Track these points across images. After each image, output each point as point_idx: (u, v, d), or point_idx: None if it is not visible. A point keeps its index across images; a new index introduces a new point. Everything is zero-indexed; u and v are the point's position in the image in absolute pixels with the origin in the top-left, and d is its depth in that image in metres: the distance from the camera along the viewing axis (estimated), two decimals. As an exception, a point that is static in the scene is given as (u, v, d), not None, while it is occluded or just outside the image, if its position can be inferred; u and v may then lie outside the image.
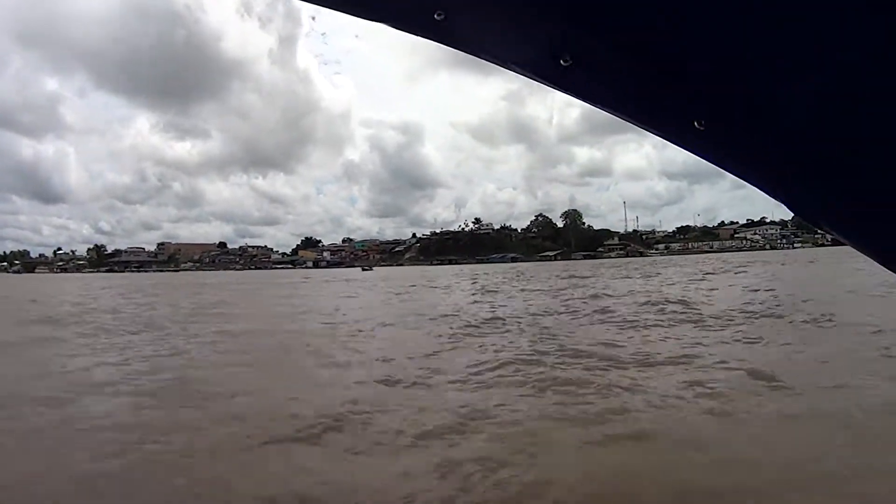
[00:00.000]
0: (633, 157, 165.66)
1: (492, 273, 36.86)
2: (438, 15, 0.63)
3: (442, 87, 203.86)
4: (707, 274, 22.85)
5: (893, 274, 0.71)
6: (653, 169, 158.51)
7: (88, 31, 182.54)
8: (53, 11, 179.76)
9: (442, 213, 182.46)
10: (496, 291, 18.15)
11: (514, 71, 0.69)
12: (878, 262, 0.71)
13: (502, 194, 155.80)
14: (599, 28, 0.60)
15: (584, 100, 0.67)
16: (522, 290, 18.93)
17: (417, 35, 0.69)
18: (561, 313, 10.72)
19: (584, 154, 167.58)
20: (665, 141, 0.73)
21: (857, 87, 0.56)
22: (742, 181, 0.70)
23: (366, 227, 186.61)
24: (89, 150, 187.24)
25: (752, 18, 0.55)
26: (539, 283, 22.67)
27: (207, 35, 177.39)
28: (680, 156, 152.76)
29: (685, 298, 12.27)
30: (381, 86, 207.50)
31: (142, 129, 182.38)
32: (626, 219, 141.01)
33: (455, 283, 23.97)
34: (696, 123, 0.62)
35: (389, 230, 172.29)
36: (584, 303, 12.56)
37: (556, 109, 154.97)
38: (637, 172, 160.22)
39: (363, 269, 66.70)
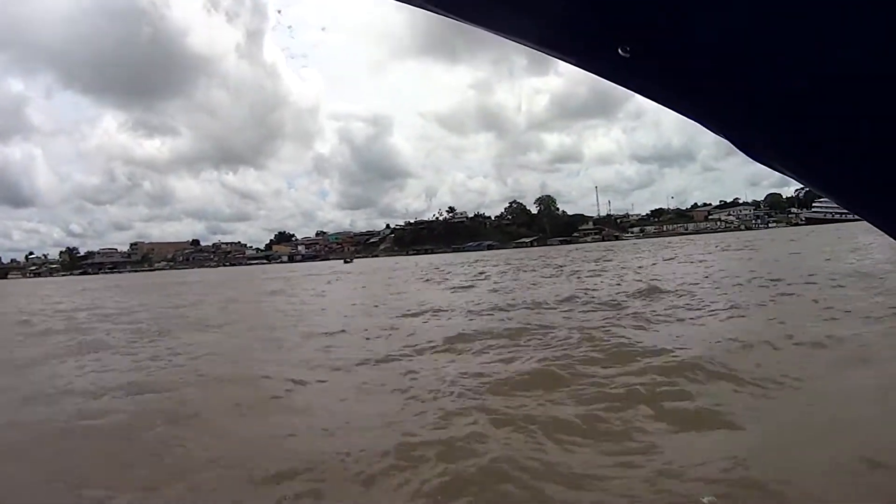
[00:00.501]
0: (603, 141, 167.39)
1: (479, 262, 35.03)
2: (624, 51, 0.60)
3: (409, 77, 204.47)
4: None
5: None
6: (623, 153, 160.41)
7: (53, 30, 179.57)
8: (16, 12, 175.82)
9: (413, 203, 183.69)
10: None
11: (567, 61, 0.68)
12: (834, 200, 0.68)
13: (473, 183, 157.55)
14: None
15: (493, 31, 0.67)
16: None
17: (475, 26, 0.67)
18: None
19: (553, 140, 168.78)
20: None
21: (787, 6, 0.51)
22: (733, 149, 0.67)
23: (337, 219, 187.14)
24: (57, 152, 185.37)
25: None
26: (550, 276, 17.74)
27: (173, 31, 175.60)
28: (650, 139, 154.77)
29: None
30: (348, 78, 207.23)
31: (110, 128, 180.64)
32: (598, 203, 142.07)
33: (456, 277, 20.81)
34: (620, 50, 0.58)
35: (361, 222, 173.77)
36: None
37: (525, 97, 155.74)
38: (607, 157, 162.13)
39: (345, 262, 68.57)
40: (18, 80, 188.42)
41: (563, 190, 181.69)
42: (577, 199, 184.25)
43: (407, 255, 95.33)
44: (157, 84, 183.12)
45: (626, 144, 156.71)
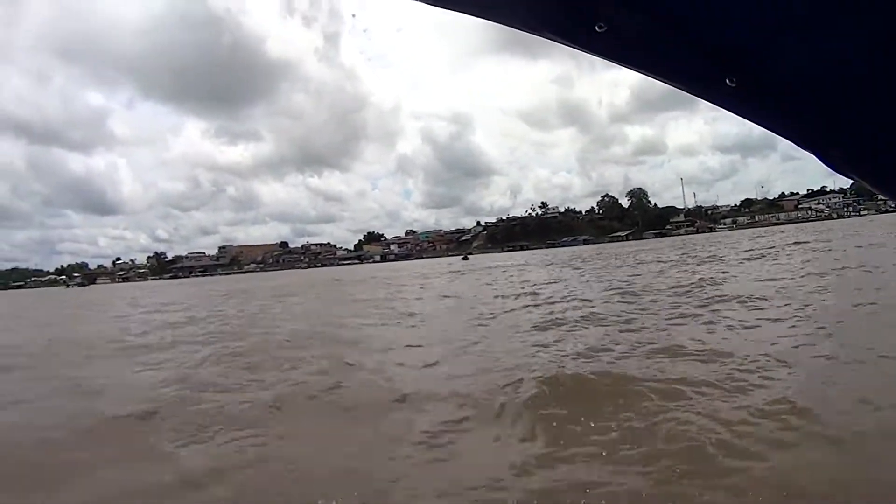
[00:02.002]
0: (685, 132, 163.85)
1: (597, 257, 32.64)
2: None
3: (489, 74, 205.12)
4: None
5: None
6: (705, 143, 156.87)
7: (130, 42, 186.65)
8: (93, 26, 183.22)
9: (498, 200, 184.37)
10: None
11: (547, 38, 0.72)
12: None
13: (557, 178, 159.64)
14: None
15: (620, 63, 0.72)
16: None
17: (457, 11, 0.71)
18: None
19: (636, 133, 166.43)
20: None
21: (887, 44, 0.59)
22: (791, 147, 0.78)
23: (422, 218, 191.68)
24: (141, 161, 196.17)
25: None
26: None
27: (251, 38, 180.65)
28: (732, 129, 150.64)
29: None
30: (427, 77, 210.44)
31: (192, 136, 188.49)
32: (683, 195, 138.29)
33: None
34: (727, 81, 0.66)
35: (446, 220, 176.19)
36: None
37: (606, 90, 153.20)
38: (690, 148, 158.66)
39: (463, 258, 68.40)
40: (99, 93, 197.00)
41: (647, 182, 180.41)
42: (661, 192, 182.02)
43: (502, 251, 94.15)
44: (238, 91, 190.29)
45: (708, 135, 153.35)
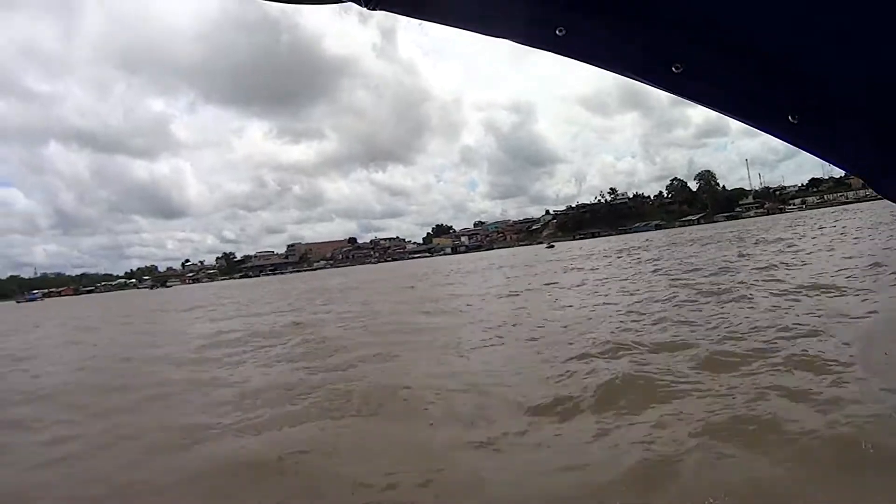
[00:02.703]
0: None
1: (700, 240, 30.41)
2: (560, 31, 0.70)
3: (548, 61, 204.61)
4: None
5: None
6: None
7: (188, 49, 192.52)
8: (150, 35, 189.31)
9: (563, 188, 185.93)
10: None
11: (629, 77, 0.77)
12: None
13: (621, 164, 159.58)
14: (708, 37, 0.67)
15: (692, 100, 0.76)
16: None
17: (539, 49, 0.76)
18: None
19: (698, 114, 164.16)
20: None
21: None
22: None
23: (488, 209, 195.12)
24: (205, 164, 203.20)
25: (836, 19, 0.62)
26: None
27: (308, 37, 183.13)
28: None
29: None
30: (486, 68, 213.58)
31: (255, 137, 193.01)
32: (749, 177, 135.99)
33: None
34: (790, 118, 0.70)
35: (512, 211, 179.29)
36: None
37: None
38: (752, 129, 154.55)
39: (547, 247, 69.35)
40: (160, 100, 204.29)
41: (711, 165, 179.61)
42: (726, 175, 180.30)
43: (573, 239, 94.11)
44: (298, 90, 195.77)
45: None
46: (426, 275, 29.90)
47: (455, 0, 0.72)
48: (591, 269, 18.44)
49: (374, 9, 0.74)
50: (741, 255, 15.68)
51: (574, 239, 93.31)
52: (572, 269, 20.22)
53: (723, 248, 20.60)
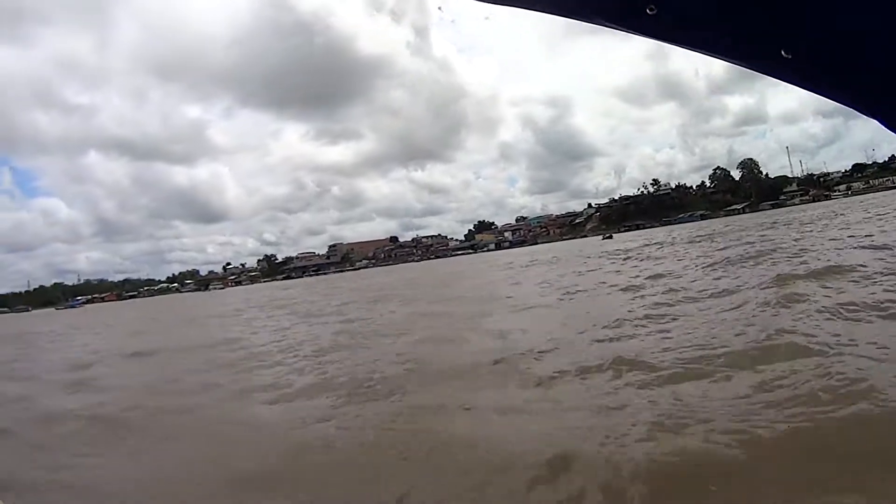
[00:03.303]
0: (785, 98, 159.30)
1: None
2: (651, 10, 0.68)
3: (583, 54, 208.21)
4: None
5: None
6: (806, 109, 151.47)
7: (223, 55, 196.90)
8: (184, 43, 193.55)
9: (603, 181, 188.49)
10: None
11: (598, 24, 0.75)
12: None
13: (660, 155, 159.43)
14: None
15: (673, 43, 0.74)
16: None
17: (629, 30, 0.75)
18: None
19: (735, 103, 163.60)
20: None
21: None
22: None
23: (528, 204, 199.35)
24: (244, 168, 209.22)
25: None
26: None
27: (342, 38, 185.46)
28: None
29: None
30: (521, 63, 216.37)
31: (292, 139, 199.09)
32: (790, 164, 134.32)
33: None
34: (782, 52, 0.67)
35: (553, 205, 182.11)
36: None
37: (701, 60, 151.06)
38: (791, 115, 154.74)
39: (604, 238, 69.01)
40: (196, 106, 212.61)
41: (751, 153, 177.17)
42: (766, 163, 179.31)
43: (619, 231, 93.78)
44: (334, 91, 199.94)
45: (808, 99, 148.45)
46: (509, 269, 26.20)
47: None
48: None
49: None
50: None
51: (619, 231, 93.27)
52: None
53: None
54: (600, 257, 24.21)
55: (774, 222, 32.31)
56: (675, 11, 0.64)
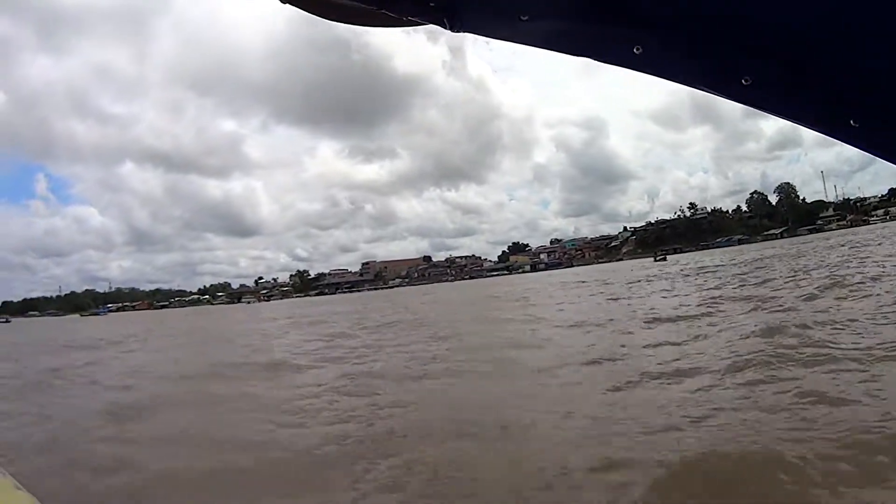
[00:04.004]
0: None
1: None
2: (637, 49, 0.75)
3: (617, 75, 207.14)
4: None
5: None
6: None
7: (259, 70, 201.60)
8: (221, 58, 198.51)
9: (635, 205, 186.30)
10: None
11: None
12: None
13: (694, 179, 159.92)
14: (773, 52, 0.70)
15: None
16: None
17: (617, 66, 0.81)
18: None
19: (770, 127, 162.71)
20: None
21: None
22: None
23: (561, 227, 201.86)
24: (277, 183, 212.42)
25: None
26: None
27: (379, 56, 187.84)
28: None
29: None
30: (556, 84, 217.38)
31: (327, 156, 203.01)
32: (825, 189, 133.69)
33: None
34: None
35: (585, 229, 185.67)
36: None
37: None
38: (826, 139, 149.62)
39: (655, 259, 68.67)
40: (232, 121, 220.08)
41: (785, 178, 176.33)
42: (800, 188, 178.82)
43: (654, 256, 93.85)
44: (370, 109, 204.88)
45: None
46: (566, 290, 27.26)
47: (539, 23, 0.77)
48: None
49: (458, 31, 0.81)
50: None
51: (655, 256, 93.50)
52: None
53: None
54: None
55: (835, 245, 32.50)
56: (655, 51, 0.74)
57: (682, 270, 31.74)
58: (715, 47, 0.72)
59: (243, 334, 21.23)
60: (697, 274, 26.43)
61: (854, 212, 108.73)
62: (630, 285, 24.61)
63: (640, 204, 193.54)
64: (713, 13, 0.69)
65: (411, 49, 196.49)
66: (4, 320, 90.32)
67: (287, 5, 0.81)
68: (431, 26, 0.81)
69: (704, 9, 0.70)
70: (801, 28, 0.66)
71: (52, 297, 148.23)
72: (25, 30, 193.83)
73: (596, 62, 0.81)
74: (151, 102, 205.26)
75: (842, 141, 0.75)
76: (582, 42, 0.78)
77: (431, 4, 0.78)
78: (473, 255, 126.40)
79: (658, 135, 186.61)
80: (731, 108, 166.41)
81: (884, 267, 14.70)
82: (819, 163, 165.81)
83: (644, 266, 49.72)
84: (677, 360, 7.19)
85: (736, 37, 0.70)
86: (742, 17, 0.68)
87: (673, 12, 0.71)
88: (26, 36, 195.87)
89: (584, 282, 32.99)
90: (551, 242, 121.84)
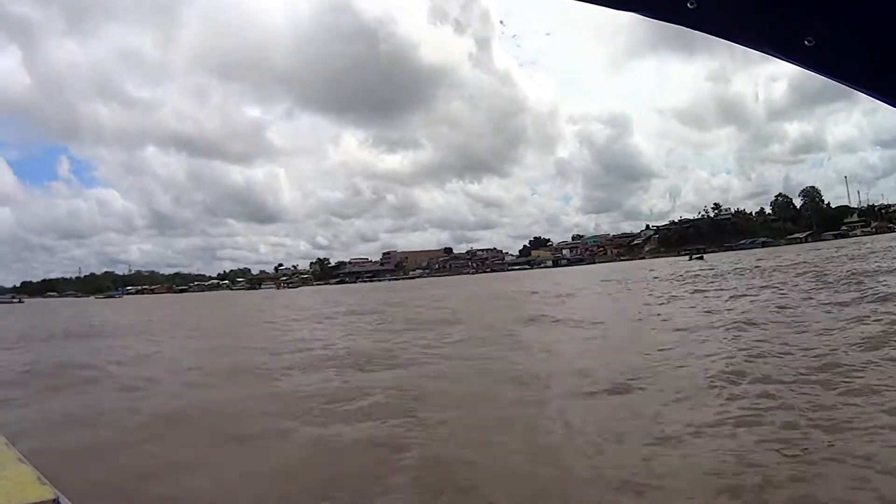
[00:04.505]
0: (845, 127, 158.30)
1: None
2: (691, 4, 0.71)
3: (644, 73, 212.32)
4: None
5: None
6: (865, 138, 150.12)
7: (285, 57, 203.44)
8: (247, 44, 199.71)
9: (657, 203, 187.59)
10: None
11: (642, 15, 0.79)
12: None
13: (716, 180, 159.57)
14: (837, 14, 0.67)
15: (708, 33, 0.76)
16: None
17: (669, 22, 0.78)
18: None
19: (794, 129, 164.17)
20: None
21: None
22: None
23: (581, 223, 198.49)
24: (300, 170, 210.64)
25: None
26: None
27: (405, 47, 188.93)
28: (892, 121, 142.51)
29: None
30: (581, 80, 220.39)
31: (350, 145, 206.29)
32: (848, 194, 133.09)
33: None
34: (806, 41, 0.69)
35: (605, 225, 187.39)
36: None
37: (762, 84, 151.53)
38: (849, 144, 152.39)
39: (694, 258, 65.64)
40: (256, 107, 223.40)
41: (808, 181, 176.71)
42: (823, 191, 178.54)
43: (678, 255, 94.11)
44: (394, 99, 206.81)
45: (867, 128, 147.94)
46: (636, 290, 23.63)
47: None
48: None
49: None
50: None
51: (678, 255, 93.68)
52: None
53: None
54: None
55: (878, 249, 31.92)
56: (712, 6, 0.71)
57: (734, 269, 29.84)
58: (777, 4, 0.70)
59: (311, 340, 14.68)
60: (774, 271, 24.65)
61: (879, 218, 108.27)
62: (705, 282, 22.95)
63: (661, 203, 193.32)
64: None
65: (438, 40, 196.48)
66: (18, 300, 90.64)
67: None
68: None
69: None
70: None
71: (71, 278, 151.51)
72: (53, 13, 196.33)
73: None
74: (176, 87, 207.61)
75: (798, 63, 0.75)
76: None
77: None
78: (494, 249, 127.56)
79: (682, 134, 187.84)
80: (755, 110, 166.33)
81: None
82: (842, 168, 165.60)
83: (680, 265, 47.25)
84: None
85: None
86: None
87: None
88: (54, 20, 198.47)
89: (624, 280, 30.51)
90: (573, 238, 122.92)
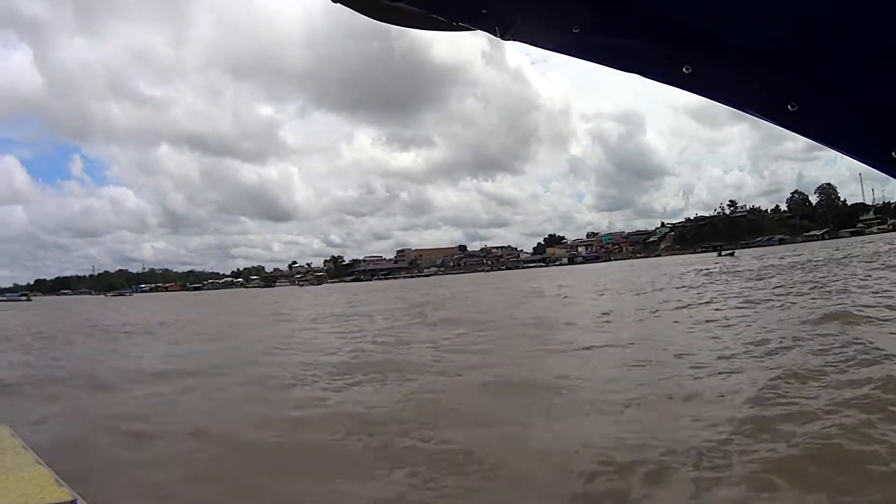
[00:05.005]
0: None
1: None
2: (687, 69, 0.74)
3: None
4: None
5: None
6: None
7: (298, 56, 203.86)
8: (260, 43, 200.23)
9: (670, 201, 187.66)
10: None
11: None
12: None
13: (729, 177, 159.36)
14: (822, 78, 0.69)
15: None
16: None
17: (665, 84, 0.82)
18: None
19: None
20: None
21: None
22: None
23: (595, 221, 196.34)
24: (313, 169, 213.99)
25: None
26: None
27: (417, 44, 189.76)
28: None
29: None
30: (593, 77, 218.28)
31: (363, 143, 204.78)
32: (863, 192, 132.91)
33: None
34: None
35: (619, 223, 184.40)
36: None
37: None
38: None
39: (724, 254, 63.96)
40: (269, 106, 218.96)
41: (821, 179, 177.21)
42: (836, 188, 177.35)
43: (694, 252, 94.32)
44: (408, 98, 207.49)
45: None
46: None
47: (589, 36, 0.77)
48: None
49: (509, 39, 0.81)
50: None
51: (695, 252, 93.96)
52: None
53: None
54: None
55: None
56: (706, 74, 0.73)
57: (787, 265, 25.56)
58: (763, 72, 0.72)
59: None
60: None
61: (893, 215, 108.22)
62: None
63: (674, 200, 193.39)
64: (765, 38, 0.70)
65: (451, 39, 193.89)
66: (25, 298, 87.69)
67: (337, 4, 0.86)
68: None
69: (756, 35, 0.70)
70: (856, 56, 0.65)
71: (84, 276, 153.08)
72: (65, 12, 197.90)
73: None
74: (188, 85, 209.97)
75: (886, 174, 0.74)
76: (631, 58, 0.80)
77: (483, 12, 0.80)
78: (509, 246, 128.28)
79: (695, 131, 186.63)
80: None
81: None
82: (855, 165, 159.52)
83: (708, 261, 45.40)
84: None
85: (785, 62, 0.70)
86: (793, 40, 0.67)
87: (725, 35, 0.72)
88: (65, 18, 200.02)
89: (670, 275, 27.53)
90: (588, 236, 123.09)
